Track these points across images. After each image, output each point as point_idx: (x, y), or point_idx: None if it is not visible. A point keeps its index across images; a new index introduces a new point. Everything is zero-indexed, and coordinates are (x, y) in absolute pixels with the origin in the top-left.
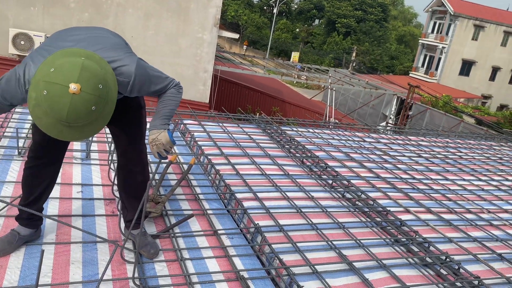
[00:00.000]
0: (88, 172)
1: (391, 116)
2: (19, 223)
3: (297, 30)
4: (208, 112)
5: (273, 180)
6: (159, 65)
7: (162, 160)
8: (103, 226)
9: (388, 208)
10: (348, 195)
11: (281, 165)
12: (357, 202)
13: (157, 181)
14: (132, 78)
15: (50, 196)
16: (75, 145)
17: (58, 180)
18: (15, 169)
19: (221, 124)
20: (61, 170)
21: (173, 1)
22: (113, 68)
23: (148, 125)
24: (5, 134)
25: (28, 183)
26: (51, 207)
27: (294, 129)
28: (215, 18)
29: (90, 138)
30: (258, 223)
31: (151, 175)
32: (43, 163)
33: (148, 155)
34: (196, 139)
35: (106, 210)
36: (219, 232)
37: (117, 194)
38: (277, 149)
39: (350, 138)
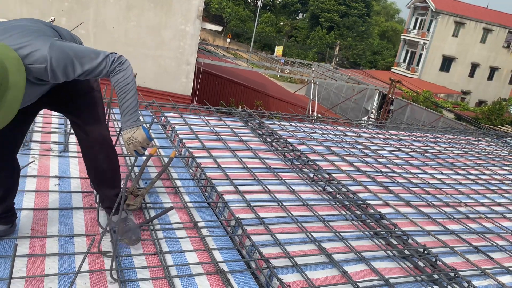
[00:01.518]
0: (66, 164)
1: (372, 110)
2: None
3: (281, 23)
4: (190, 105)
5: (255, 173)
6: (141, 57)
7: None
8: (81, 219)
9: (368, 202)
10: (328, 189)
11: (262, 159)
12: (337, 196)
13: (136, 173)
14: (48, 62)
15: (26, 189)
16: (53, 137)
17: (34, 173)
18: None
19: (203, 117)
20: (37, 163)
21: None
22: (25, 55)
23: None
24: None
25: None
26: (27, 200)
27: (277, 122)
28: (199, 10)
29: (68, 130)
30: (238, 216)
31: (132, 168)
32: (3, 159)
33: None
34: (177, 132)
35: (84, 203)
36: (199, 224)
37: None
38: (259, 142)
39: (332, 132)
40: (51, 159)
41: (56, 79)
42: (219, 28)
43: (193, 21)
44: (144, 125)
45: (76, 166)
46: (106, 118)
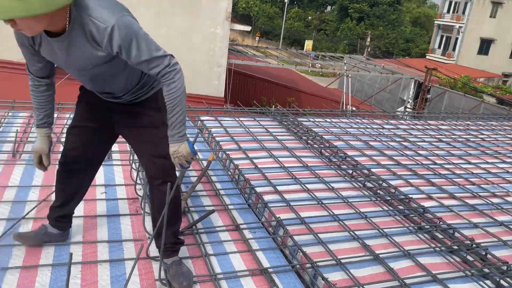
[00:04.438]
0: (110, 172)
1: (409, 100)
2: (48, 222)
3: (309, 18)
4: (224, 107)
5: (292, 172)
6: None
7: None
8: (128, 225)
9: (410, 196)
10: (369, 184)
11: (299, 157)
12: (378, 191)
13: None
14: (111, 25)
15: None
16: None
17: None
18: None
19: (237, 119)
20: None
21: None
22: (92, 8)
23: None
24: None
25: (57, 187)
26: (77, 208)
27: (311, 119)
28: (227, 11)
29: None
30: (279, 217)
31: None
32: (72, 169)
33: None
34: (214, 135)
35: (130, 209)
36: (241, 226)
37: (140, 193)
38: (294, 141)
39: (368, 126)
40: None
41: (111, 47)
42: (248, 28)
43: (222, 23)
44: (190, 139)
45: (120, 173)
46: None
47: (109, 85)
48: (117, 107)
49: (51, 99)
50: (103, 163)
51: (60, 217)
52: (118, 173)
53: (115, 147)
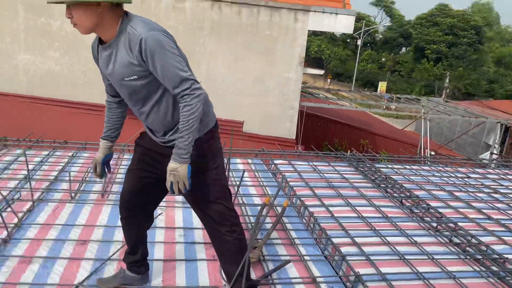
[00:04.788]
0: (189, 215)
1: (495, 145)
2: (126, 266)
3: (383, 59)
4: (297, 151)
5: (371, 223)
6: (247, 105)
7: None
8: (205, 270)
9: (506, 255)
10: (456, 240)
11: (378, 207)
12: (467, 248)
13: (252, 224)
14: (144, 36)
15: (156, 240)
16: None
17: (162, 224)
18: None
19: (311, 163)
20: (164, 214)
21: (260, 44)
22: (135, 21)
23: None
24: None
25: (124, 234)
26: (157, 251)
27: (389, 166)
28: (300, 56)
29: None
30: (358, 271)
31: (246, 218)
32: (128, 216)
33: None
34: (288, 179)
35: (207, 254)
36: (318, 280)
37: None
38: (372, 188)
39: (452, 175)
40: (175, 211)
41: (140, 55)
42: (321, 72)
43: (295, 68)
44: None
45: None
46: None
47: (145, 110)
48: (166, 151)
49: (119, 117)
50: (182, 206)
51: (133, 262)
52: (196, 216)
53: None
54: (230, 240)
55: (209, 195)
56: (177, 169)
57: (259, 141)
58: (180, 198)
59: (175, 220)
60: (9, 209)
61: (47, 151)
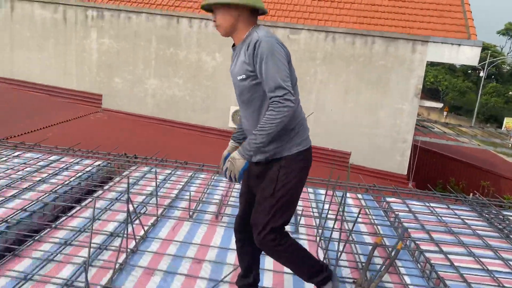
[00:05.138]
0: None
1: None
2: None
3: (510, 93)
4: (413, 189)
5: (499, 278)
6: (356, 135)
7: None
8: None
9: None
10: None
11: (507, 261)
12: None
13: (363, 264)
14: (260, 39)
15: (266, 267)
16: None
17: None
18: None
19: (427, 204)
20: None
21: (374, 74)
22: (260, 28)
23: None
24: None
25: (238, 256)
26: (266, 278)
27: None
28: (416, 88)
29: (300, 212)
30: None
31: (356, 256)
32: (240, 238)
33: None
34: (401, 219)
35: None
36: None
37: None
38: (499, 239)
39: None
40: None
41: (253, 56)
42: (439, 105)
43: (411, 100)
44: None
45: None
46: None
47: (246, 114)
48: (259, 170)
49: None
50: (296, 236)
51: (246, 285)
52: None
53: (302, 220)
54: (260, 241)
55: (265, 204)
56: (236, 160)
57: (366, 174)
58: (288, 227)
59: None
60: (137, 222)
61: (169, 170)
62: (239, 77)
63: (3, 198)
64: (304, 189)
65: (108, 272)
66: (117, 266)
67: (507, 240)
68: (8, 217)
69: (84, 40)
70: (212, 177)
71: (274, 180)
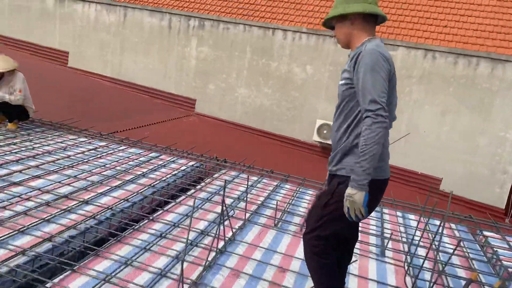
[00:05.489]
0: (383, 270)
1: None
2: None
3: None
4: (507, 222)
5: None
6: (449, 161)
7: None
8: None
9: None
10: None
11: None
12: None
13: None
14: (365, 50)
15: (349, 286)
16: (371, 239)
17: (355, 272)
18: None
19: None
20: (358, 263)
21: (475, 98)
22: (375, 40)
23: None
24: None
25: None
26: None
27: None
28: None
29: (388, 236)
30: None
31: None
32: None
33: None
34: (500, 257)
35: None
36: None
37: None
38: None
39: None
40: (369, 261)
41: (354, 64)
42: None
43: None
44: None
45: (392, 274)
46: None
47: (337, 125)
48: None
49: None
50: (376, 258)
51: None
52: (390, 272)
53: (389, 244)
54: (305, 240)
55: (317, 211)
56: (353, 195)
57: (458, 204)
58: (373, 249)
59: (369, 271)
60: (227, 223)
61: (256, 177)
62: (340, 82)
63: (109, 187)
64: (393, 212)
65: (197, 268)
66: (206, 264)
67: None
68: (113, 205)
69: (185, 47)
70: (298, 189)
71: (331, 193)
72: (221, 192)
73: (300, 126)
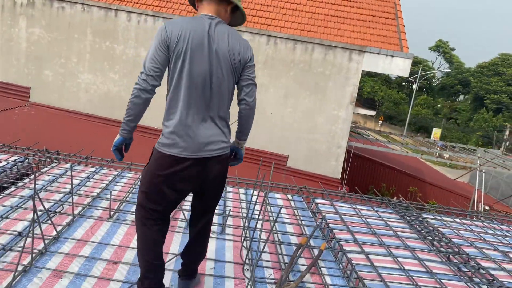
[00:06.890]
0: (222, 248)
1: None
2: None
3: (439, 106)
4: (341, 191)
5: (414, 278)
6: (294, 140)
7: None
8: None
9: None
10: None
11: (422, 260)
12: None
13: (286, 264)
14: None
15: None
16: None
17: None
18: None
19: (354, 206)
20: None
21: (312, 81)
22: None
23: None
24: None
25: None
26: None
27: (438, 217)
28: (352, 96)
29: (228, 212)
30: None
31: (280, 257)
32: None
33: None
34: (328, 221)
35: None
36: None
37: (247, 274)
38: (417, 240)
39: (508, 234)
40: (210, 240)
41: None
42: (372, 113)
43: (346, 107)
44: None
45: (230, 250)
46: None
47: None
48: None
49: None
50: (216, 236)
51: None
52: (228, 248)
53: (229, 221)
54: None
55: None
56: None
57: (302, 177)
58: (215, 228)
59: (208, 251)
60: (49, 222)
61: (94, 168)
62: None
63: None
64: (235, 189)
65: (9, 275)
66: (20, 269)
67: (424, 241)
68: None
69: (12, 28)
70: (140, 177)
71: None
72: (49, 188)
73: (152, 113)
